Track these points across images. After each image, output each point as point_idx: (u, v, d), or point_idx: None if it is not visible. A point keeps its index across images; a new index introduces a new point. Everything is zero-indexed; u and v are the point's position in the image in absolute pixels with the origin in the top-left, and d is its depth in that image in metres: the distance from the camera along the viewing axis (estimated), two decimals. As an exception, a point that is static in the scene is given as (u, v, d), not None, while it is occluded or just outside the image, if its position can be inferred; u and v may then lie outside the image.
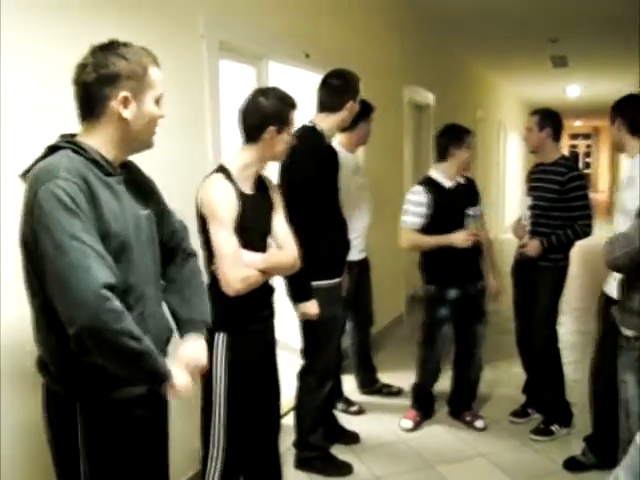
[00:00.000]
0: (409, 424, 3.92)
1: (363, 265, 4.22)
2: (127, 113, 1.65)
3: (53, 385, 1.71)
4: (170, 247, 1.95)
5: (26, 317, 1.73)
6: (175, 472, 2.12)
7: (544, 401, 3.88)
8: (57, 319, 1.59)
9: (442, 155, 3.76)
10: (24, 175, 1.63)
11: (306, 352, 3.34)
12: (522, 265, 3.82)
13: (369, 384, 4.50)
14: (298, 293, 3.06)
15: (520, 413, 4.04)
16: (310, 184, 3.01)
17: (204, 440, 2.55)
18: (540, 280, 3.71)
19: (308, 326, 3.22)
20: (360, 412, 4.17)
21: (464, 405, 4.07)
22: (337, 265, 3.32)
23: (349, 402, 4.18)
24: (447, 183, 3.73)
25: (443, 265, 3.73)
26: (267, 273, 2.45)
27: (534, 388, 3.99)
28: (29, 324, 1.73)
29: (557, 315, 3.77)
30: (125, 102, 1.64)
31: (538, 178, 3.76)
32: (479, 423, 3.97)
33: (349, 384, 4.43)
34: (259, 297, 2.53)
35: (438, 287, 3.76)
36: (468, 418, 4.02)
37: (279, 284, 2.88)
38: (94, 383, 1.68)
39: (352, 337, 4.34)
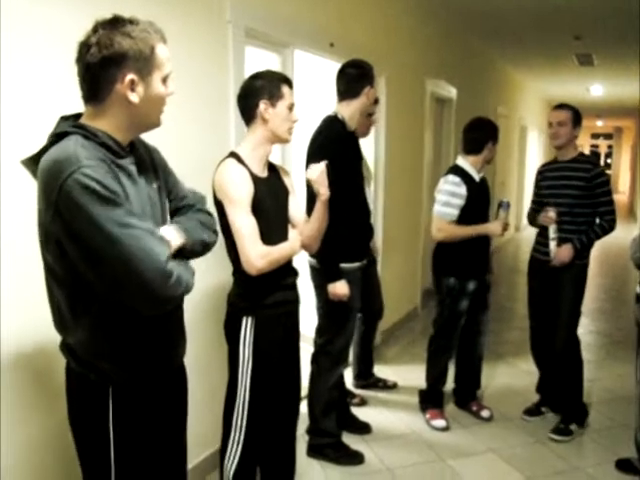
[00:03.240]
0: (443, 423, 3.87)
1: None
2: (134, 97, 1.57)
3: (80, 369, 1.70)
4: (183, 212, 1.88)
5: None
6: (193, 451, 2.13)
7: (562, 401, 3.86)
8: (90, 307, 1.61)
9: (477, 149, 3.73)
10: (29, 163, 1.59)
11: (321, 334, 3.38)
12: (540, 263, 3.77)
13: (365, 377, 4.47)
14: (328, 274, 3.15)
15: (534, 411, 4.03)
16: (332, 170, 3.05)
17: (225, 424, 2.57)
18: (561, 279, 3.67)
19: (326, 308, 3.29)
20: (362, 403, 4.17)
21: (470, 395, 4.11)
22: (358, 249, 3.38)
23: (351, 394, 4.17)
24: (476, 176, 3.73)
25: (465, 257, 3.72)
26: (292, 251, 2.49)
27: (549, 387, 3.98)
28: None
29: (579, 316, 3.75)
30: (132, 85, 1.56)
31: (557, 176, 3.72)
32: (485, 413, 4.01)
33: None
34: (284, 280, 2.55)
35: (459, 280, 3.73)
36: (474, 408, 4.05)
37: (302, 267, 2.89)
38: (127, 368, 1.70)
39: (358, 328, 4.32)
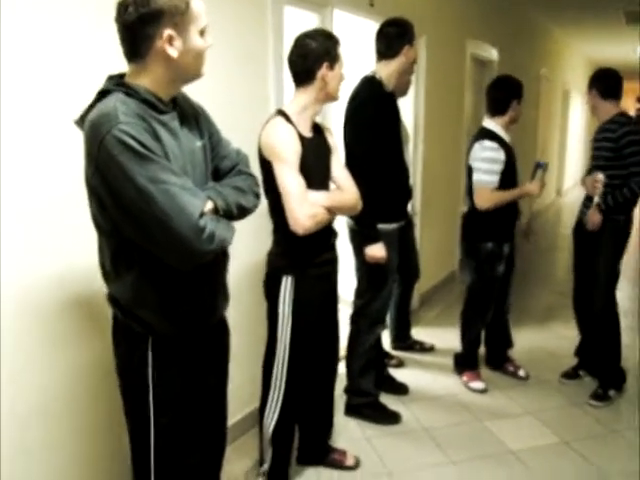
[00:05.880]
0: (481, 385, 3.89)
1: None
2: (173, 52, 1.60)
3: (124, 319, 1.76)
4: (224, 172, 1.91)
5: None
6: (233, 409, 2.19)
7: (600, 365, 3.84)
8: (132, 259, 1.65)
9: (501, 109, 3.68)
10: (80, 122, 1.63)
11: (360, 296, 3.41)
12: (582, 226, 3.75)
13: (402, 339, 4.49)
14: (366, 236, 3.16)
15: (571, 374, 4.02)
16: (369, 130, 3.09)
17: (264, 383, 2.63)
18: (599, 240, 3.65)
19: (365, 269, 3.31)
20: (399, 365, 4.20)
21: (503, 355, 4.13)
22: (395, 210, 3.39)
23: (389, 355, 4.21)
24: (507, 137, 3.69)
25: (500, 221, 3.70)
26: (332, 211, 2.47)
27: (587, 351, 3.97)
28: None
29: (617, 277, 3.71)
30: (170, 40, 1.58)
31: (596, 138, 3.70)
32: (522, 372, 4.05)
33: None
34: (324, 241, 2.57)
35: (496, 244, 3.72)
36: (511, 368, 4.08)
37: (341, 230, 2.90)
38: (167, 320, 1.74)
39: (395, 290, 4.30)
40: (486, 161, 3.59)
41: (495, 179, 3.59)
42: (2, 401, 2.00)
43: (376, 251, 3.13)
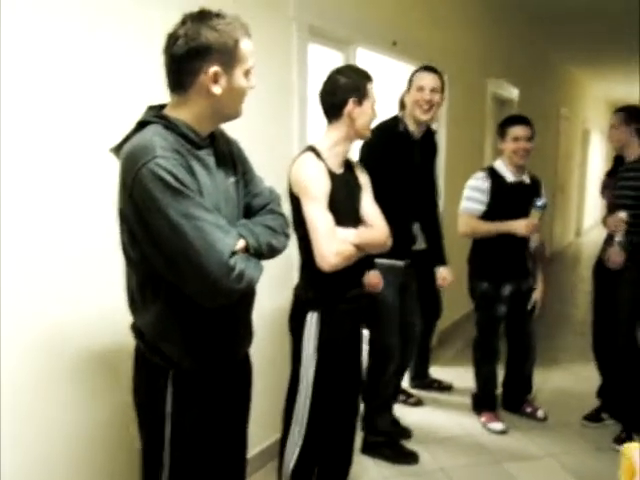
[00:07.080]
0: (501, 426, 3.81)
1: (425, 256, 3.83)
2: (217, 89, 1.61)
3: (146, 351, 1.76)
4: (255, 210, 1.89)
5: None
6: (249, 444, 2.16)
7: (623, 408, 3.75)
8: (159, 291, 1.65)
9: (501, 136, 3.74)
10: (116, 150, 1.65)
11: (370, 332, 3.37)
12: (603, 264, 3.71)
13: (421, 377, 4.44)
14: (362, 262, 3.08)
15: (593, 417, 3.94)
16: (375, 164, 2.98)
17: (286, 419, 2.57)
18: (620, 280, 3.60)
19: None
20: (418, 403, 4.15)
21: (520, 399, 4.06)
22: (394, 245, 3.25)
23: (407, 393, 4.16)
24: (509, 177, 3.68)
25: (497, 260, 3.69)
26: (360, 249, 2.43)
27: (609, 393, 3.89)
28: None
29: (639, 317, 3.65)
30: (215, 77, 1.60)
31: (621, 177, 3.65)
32: (540, 413, 3.98)
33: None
34: (351, 276, 2.53)
35: (492, 284, 3.70)
36: (529, 410, 4.01)
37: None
38: (190, 354, 1.73)
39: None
40: (469, 188, 3.71)
41: (473, 206, 3.66)
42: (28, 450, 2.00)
43: (371, 277, 3.04)
